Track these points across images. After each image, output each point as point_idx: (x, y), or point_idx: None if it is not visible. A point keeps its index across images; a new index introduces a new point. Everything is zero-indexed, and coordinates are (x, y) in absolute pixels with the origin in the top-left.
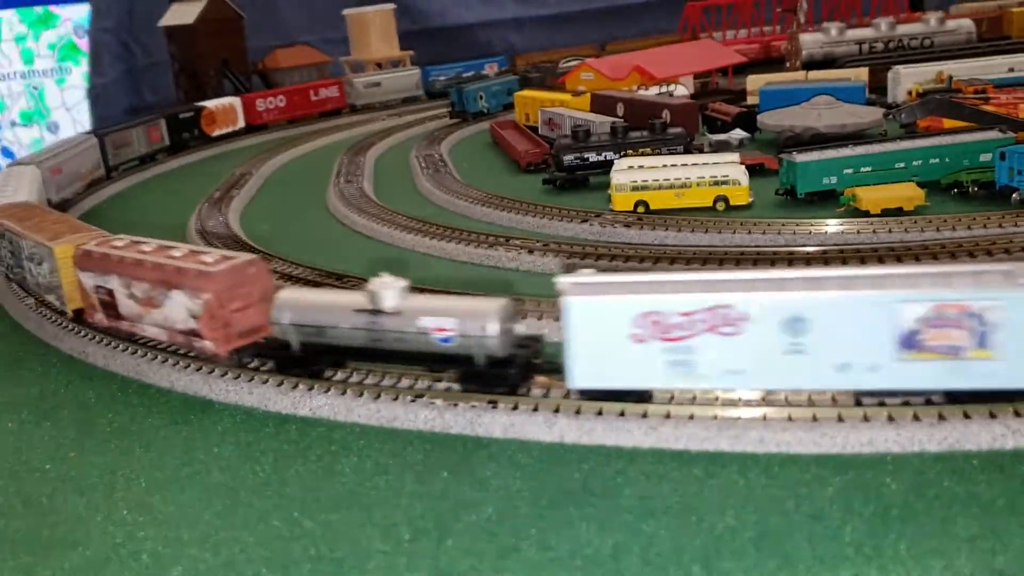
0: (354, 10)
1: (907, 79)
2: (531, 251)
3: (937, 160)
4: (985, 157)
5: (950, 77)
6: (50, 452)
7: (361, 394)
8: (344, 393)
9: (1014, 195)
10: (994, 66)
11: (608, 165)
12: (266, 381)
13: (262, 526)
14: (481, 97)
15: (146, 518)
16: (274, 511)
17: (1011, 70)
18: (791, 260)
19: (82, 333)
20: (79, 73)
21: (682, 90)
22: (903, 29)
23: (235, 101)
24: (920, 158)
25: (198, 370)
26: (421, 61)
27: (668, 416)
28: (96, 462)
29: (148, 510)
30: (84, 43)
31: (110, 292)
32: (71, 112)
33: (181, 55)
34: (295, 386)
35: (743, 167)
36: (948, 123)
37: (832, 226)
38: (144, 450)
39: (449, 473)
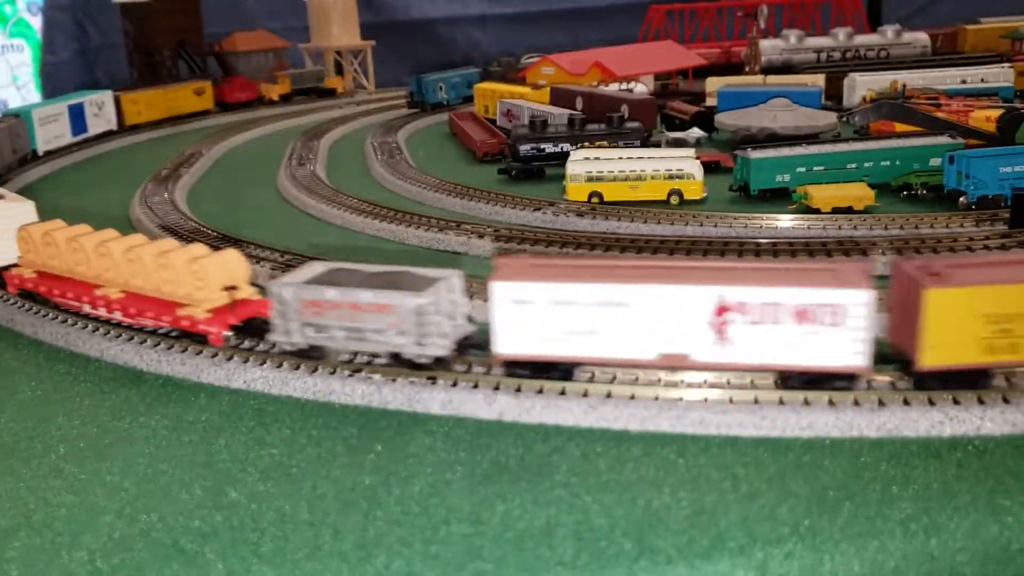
0: None
1: (862, 87)
2: (481, 236)
3: (888, 162)
4: (935, 161)
5: (903, 86)
6: None
7: (297, 367)
8: (280, 366)
9: (961, 199)
10: (947, 77)
11: (564, 157)
12: (199, 352)
13: (184, 495)
14: (441, 88)
15: (62, 485)
16: (197, 481)
17: (964, 82)
18: (741, 252)
19: (9, 301)
20: (30, 51)
21: (641, 88)
22: (860, 40)
23: None
24: (871, 160)
25: (129, 340)
26: (383, 54)
27: (609, 396)
28: (14, 429)
29: (64, 477)
30: (36, 21)
31: None
32: (21, 91)
33: (135, 34)
34: (230, 358)
35: (698, 161)
36: (899, 127)
37: (783, 222)
38: (67, 418)
39: (383, 447)
